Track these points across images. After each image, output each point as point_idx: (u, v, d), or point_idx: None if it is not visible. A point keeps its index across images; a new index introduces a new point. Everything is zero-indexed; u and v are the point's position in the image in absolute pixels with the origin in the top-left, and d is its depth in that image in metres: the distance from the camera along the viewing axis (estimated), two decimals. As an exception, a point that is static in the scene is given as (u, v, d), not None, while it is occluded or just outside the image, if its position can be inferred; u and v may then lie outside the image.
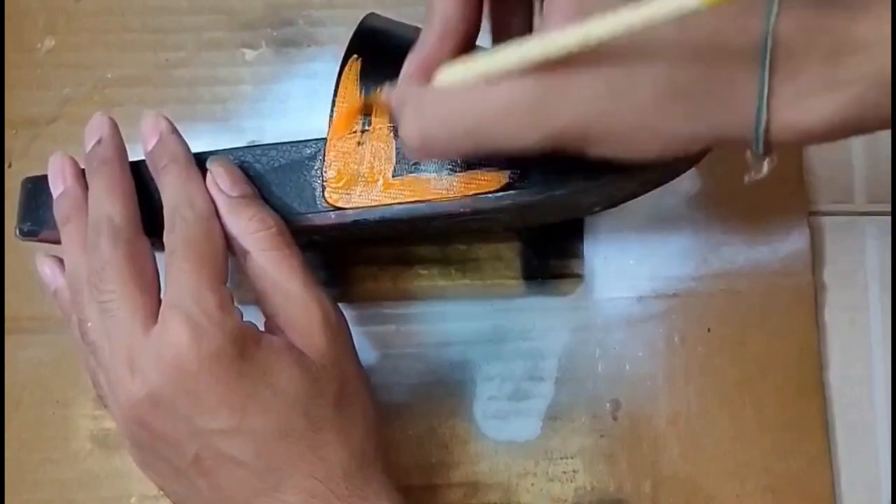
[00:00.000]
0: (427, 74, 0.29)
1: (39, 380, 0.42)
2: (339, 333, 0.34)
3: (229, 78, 0.44)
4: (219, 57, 0.45)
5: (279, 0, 0.45)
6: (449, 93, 0.28)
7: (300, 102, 0.44)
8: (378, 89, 0.33)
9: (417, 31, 0.36)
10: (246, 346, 0.31)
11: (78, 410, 0.42)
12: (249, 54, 0.45)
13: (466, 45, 0.29)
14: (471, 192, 0.33)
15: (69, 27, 0.45)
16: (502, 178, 0.32)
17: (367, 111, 0.33)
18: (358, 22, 0.36)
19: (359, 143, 0.34)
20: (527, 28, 0.33)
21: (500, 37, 0.33)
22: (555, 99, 0.26)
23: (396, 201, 0.33)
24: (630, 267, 0.42)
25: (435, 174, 0.33)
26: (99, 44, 0.45)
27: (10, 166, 0.44)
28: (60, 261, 0.36)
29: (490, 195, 0.32)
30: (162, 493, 0.34)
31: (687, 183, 0.42)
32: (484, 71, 0.27)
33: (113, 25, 0.45)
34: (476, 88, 0.27)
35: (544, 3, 0.27)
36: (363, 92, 0.34)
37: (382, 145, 0.34)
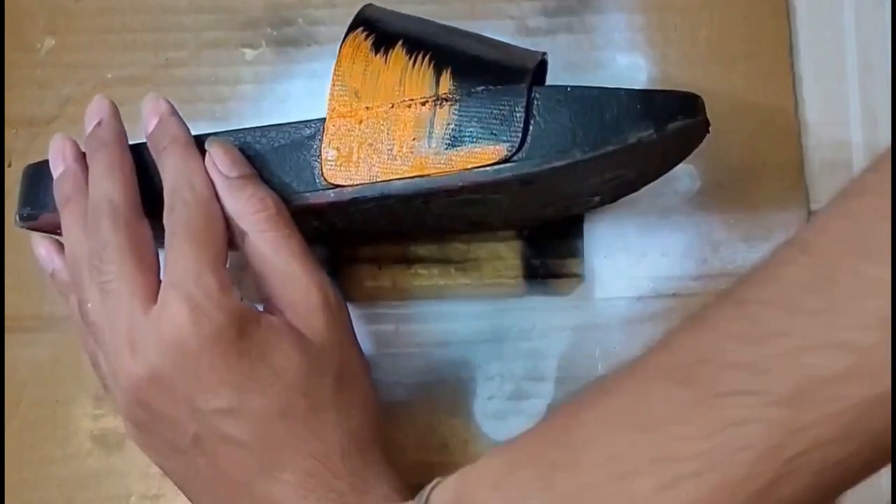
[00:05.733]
0: None
1: (39, 379, 0.42)
2: (339, 315, 0.34)
3: (229, 78, 0.44)
4: (219, 57, 0.45)
5: (279, 0, 0.45)
6: None
7: (300, 102, 0.44)
8: None
9: (418, 20, 0.37)
10: (245, 327, 0.31)
11: (78, 409, 0.42)
12: (249, 54, 0.45)
13: None
14: (469, 166, 0.33)
15: (69, 27, 0.45)
16: (500, 151, 0.32)
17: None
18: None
19: (358, 122, 0.34)
20: None
21: None
22: None
23: (395, 177, 0.33)
24: (630, 267, 0.42)
25: (434, 149, 0.33)
26: (99, 44, 0.45)
27: (10, 166, 0.44)
28: (57, 242, 0.36)
29: (489, 168, 0.33)
30: (161, 471, 0.34)
31: (687, 182, 0.42)
32: None
33: (113, 25, 0.45)
34: None
35: None
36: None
37: (382, 123, 0.34)
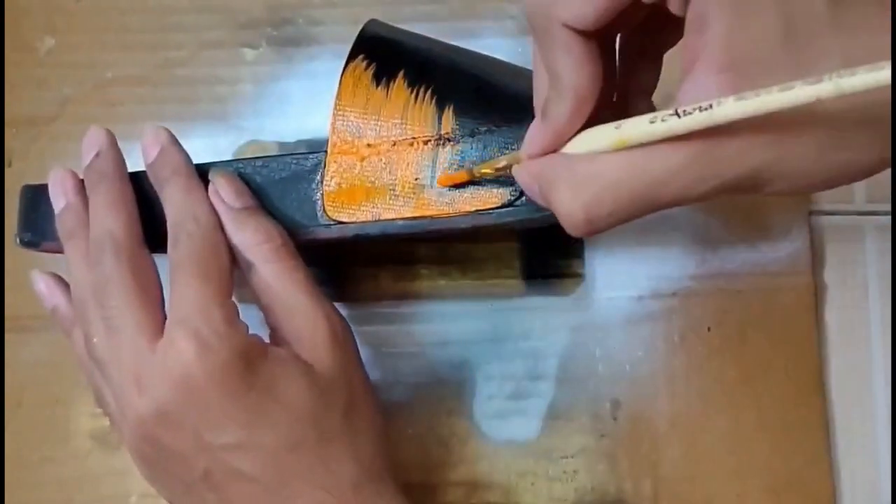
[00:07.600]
0: (560, 146, 0.28)
1: (39, 380, 0.42)
2: (346, 345, 0.34)
3: (229, 78, 0.44)
4: (219, 57, 0.45)
5: (279, 0, 0.45)
6: (605, 163, 0.26)
7: (300, 102, 0.44)
8: (496, 164, 0.31)
9: (420, 37, 0.36)
10: (253, 360, 0.30)
11: (78, 409, 0.42)
12: (249, 54, 0.45)
13: (596, 114, 0.27)
14: (473, 209, 0.33)
15: (69, 27, 0.45)
16: (504, 195, 0.32)
17: (473, 182, 0.33)
18: (358, 21, 0.36)
19: (360, 159, 0.34)
20: (655, 81, 0.31)
21: (629, 89, 0.31)
22: (719, 157, 0.25)
23: (398, 216, 0.33)
24: (630, 267, 0.42)
25: (436, 190, 0.33)
26: (99, 44, 0.45)
27: (10, 166, 0.44)
28: (57, 277, 0.36)
29: (492, 212, 0.32)
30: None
31: (687, 183, 0.42)
32: (637, 139, 0.25)
33: (113, 25, 0.45)
34: (633, 154, 0.25)
35: (685, 53, 0.25)
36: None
37: (383, 162, 0.33)
